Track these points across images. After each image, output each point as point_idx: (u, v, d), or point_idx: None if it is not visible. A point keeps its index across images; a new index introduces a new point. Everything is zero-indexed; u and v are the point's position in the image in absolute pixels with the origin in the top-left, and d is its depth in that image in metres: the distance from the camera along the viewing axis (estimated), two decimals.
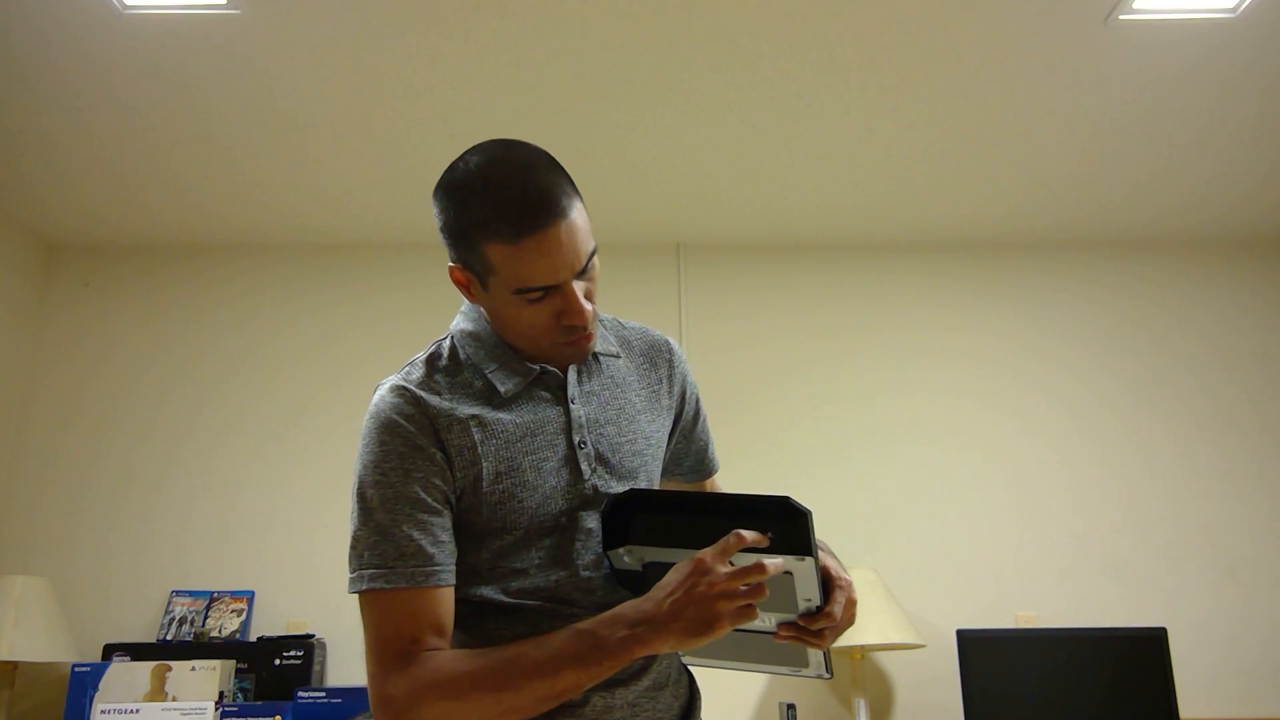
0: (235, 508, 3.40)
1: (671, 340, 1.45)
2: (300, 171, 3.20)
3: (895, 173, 3.27)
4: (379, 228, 3.57)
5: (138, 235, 3.60)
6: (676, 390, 1.42)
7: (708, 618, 1.05)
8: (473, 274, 1.21)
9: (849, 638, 2.91)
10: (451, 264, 1.24)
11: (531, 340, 1.23)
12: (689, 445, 1.47)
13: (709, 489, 1.52)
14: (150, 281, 3.63)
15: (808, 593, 1.13)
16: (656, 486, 1.36)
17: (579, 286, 1.19)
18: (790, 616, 1.16)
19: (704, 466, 1.50)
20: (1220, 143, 3.11)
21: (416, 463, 1.18)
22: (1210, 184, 3.36)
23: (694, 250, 3.73)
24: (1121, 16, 2.52)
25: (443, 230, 1.21)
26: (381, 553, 1.16)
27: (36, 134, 2.95)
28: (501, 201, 1.14)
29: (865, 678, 3.12)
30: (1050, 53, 2.66)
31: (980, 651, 3.03)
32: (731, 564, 1.09)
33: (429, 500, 1.18)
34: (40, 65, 2.64)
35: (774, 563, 1.07)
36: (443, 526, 1.19)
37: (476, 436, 1.21)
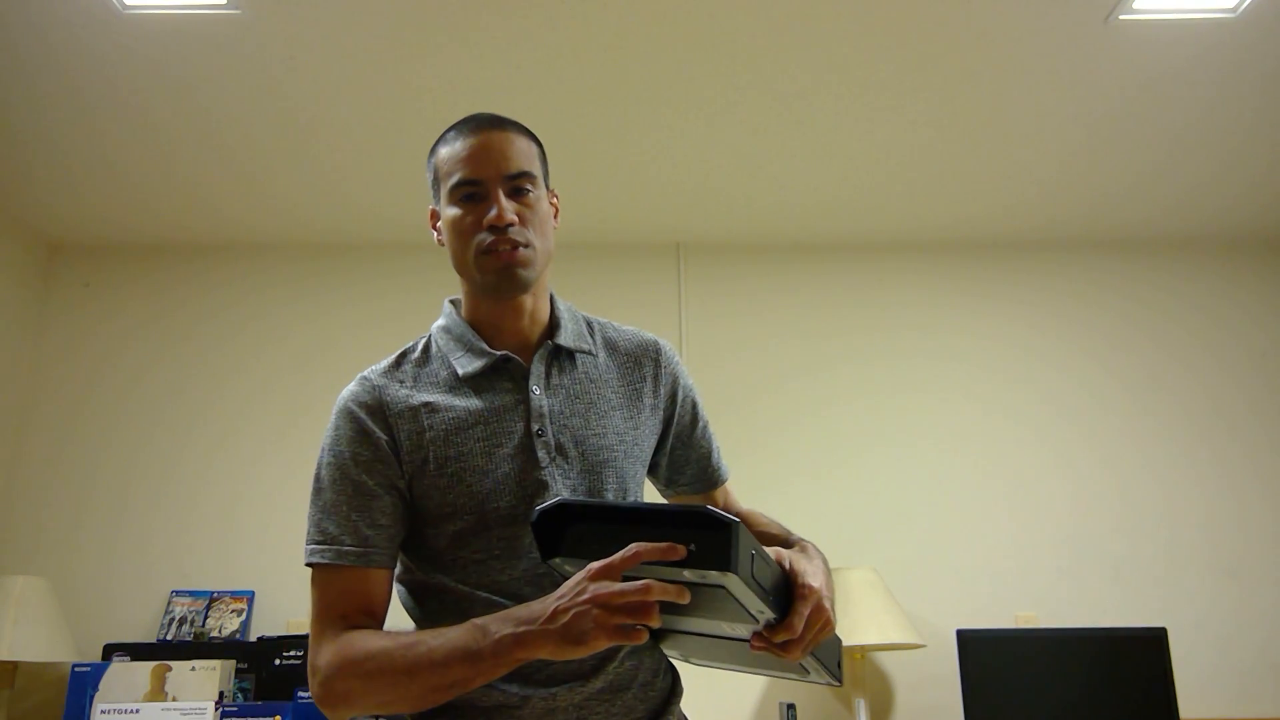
0: (236, 508, 3.40)
1: (663, 342, 1.43)
2: (301, 171, 3.20)
3: (895, 172, 3.27)
4: (380, 227, 3.57)
5: (139, 235, 3.60)
6: (665, 390, 1.39)
7: (583, 626, 1.02)
8: (436, 203, 1.34)
9: (849, 638, 2.91)
10: (429, 208, 1.37)
11: (466, 254, 1.28)
12: (689, 452, 1.43)
13: (719, 500, 1.47)
14: (152, 282, 3.63)
15: (754, 606, 1.07)
16: (630, 485, 1.33)
17: (510, 204, 1.27)
18: (756, 627, 1.11)
19: (708, 476, 1.46)
20: (1219, 142, 3.11)
21: (363, 447, 1.24)
22: (1209, 183, 3.36)
23: (694, 250, 3.73)
24: (1121, 16, 2.52)
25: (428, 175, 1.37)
26: (324, 530, 1.22)
27: (37, 133, 2.95)
28: (461, 121, 1.33)
29: (865, 678, 3.12)
30: (1050, 53, 2.66)
31: (980, 651, 3.03)
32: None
33: (370, 484, 1.23)
34: (41, 65, 2.64)
35: (663, 586, 1.01)
36: (383, 510, 1.23)
37: (425, 422, 1.25)
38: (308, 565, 1.23)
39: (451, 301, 1.39)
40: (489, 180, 1.27)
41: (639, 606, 1.01)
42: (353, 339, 3.57)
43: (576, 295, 1.43)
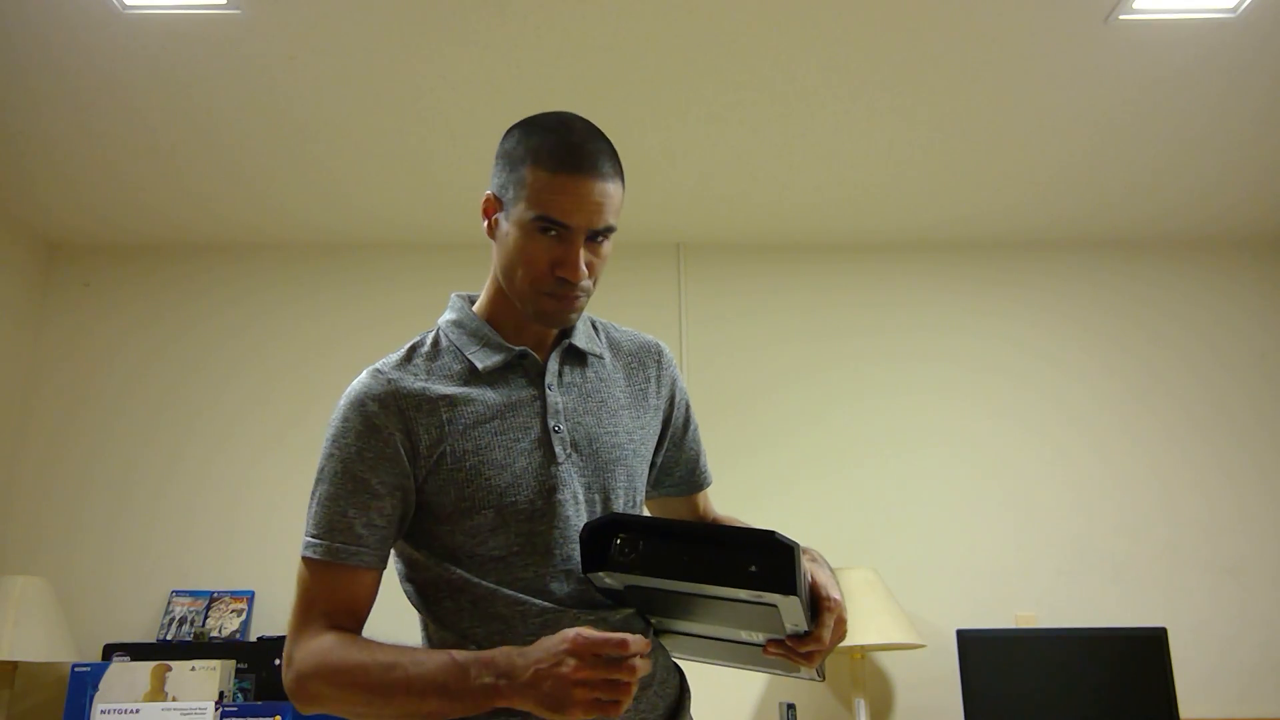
0: (236, 508, 3.40)
1: (663, 344, 1.46)
2: (301, 171, 3.20)
3: (896, 173, 3.27)
4: (380, 228, 3.57)
5: (138, 235, 3.60)
6: (665, 391, 1.42)
7: (561, 698, 1.05)
8: (503, 200, 1.26)
9: (849, 638, 2.91)
10: (488, 193, 1.30)
11: (522, 282, 1.24)
12: (679, 454, 1.46)
13: (702, 504, 1.51)
14: (151, 281, 3.63)
15: (795, 620, 1.12)
16: (638, 484, 1.35)
17: (585, 253, 1.23)
18: (778, 635, 1.16)
19: (695, 479, 1.48)
20: (1220, 142, 3.11)
21: (371, 444, 1.21)
22: (1210, 184, 3.36)
23: (694, 250, 3.73)
24: (1121, 16, 2.52)
25: (499, 157, 1.28)
26: (318, 523, 1.22)
27: (37, 134, 2.95)
28: (561, 140, 1.23)
29: (865, 678, 3.12)
30: (1050, 53, 2.66)
31: (980, 651, 3.03)
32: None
33: (372, 482, 1.21)
34: (41, 65, 2.64)
35: (645, 664, 1.06)
36: (381, 511, 1.22)
37: (445, 415, 1.24)
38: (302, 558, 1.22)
39: (460, 296, 1.38)
40: (576, 229, 1.22)
41: (619, 686, 1.05)
42: (353, 339, 3.57)
43: None
